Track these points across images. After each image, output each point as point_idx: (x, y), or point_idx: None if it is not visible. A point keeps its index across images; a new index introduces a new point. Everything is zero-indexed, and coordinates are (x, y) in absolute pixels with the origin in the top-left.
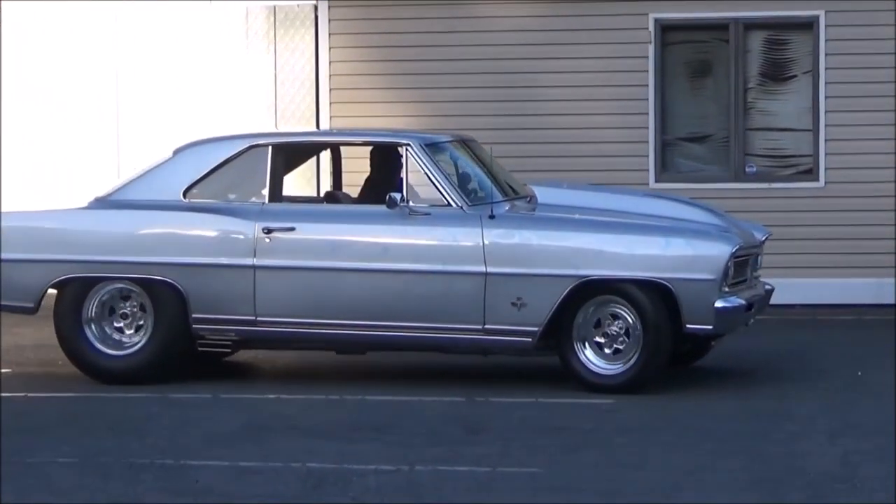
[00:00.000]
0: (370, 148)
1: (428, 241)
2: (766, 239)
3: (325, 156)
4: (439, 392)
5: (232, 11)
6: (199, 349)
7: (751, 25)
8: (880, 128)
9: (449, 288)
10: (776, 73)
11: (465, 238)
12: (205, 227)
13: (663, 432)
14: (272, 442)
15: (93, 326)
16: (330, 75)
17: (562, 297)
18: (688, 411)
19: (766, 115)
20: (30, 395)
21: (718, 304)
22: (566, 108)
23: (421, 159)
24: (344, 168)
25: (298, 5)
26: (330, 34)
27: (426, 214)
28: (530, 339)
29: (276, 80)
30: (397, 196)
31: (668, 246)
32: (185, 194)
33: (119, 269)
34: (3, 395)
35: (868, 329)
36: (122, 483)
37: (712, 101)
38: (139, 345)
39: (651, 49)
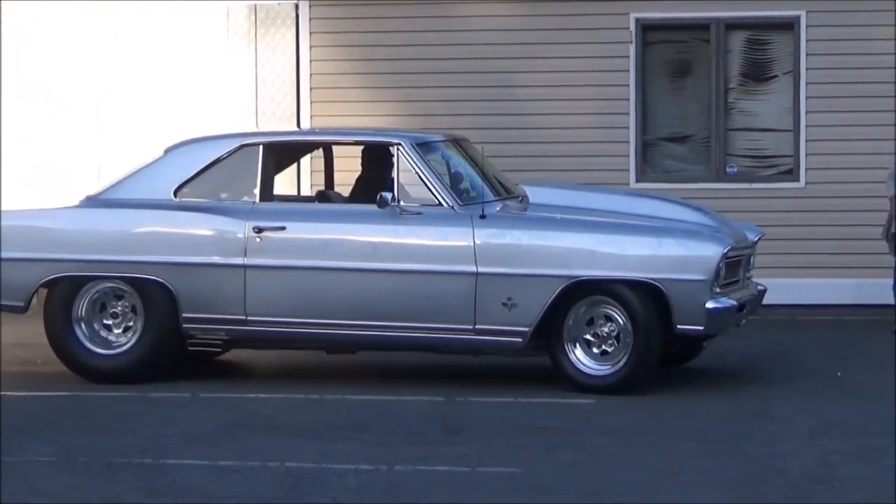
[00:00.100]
0: (361, 147)
1: (419, 241)
2: (759, 239)
3: (312, 155)
4: (419, 392)
5: (213, 10)
6: (190, 349)
7: (732, 25)
8: (861, 128)
9: (439, 288)
10: (757, 73)
11: (456, 238)
12: (195, 227)
13: (644, 432)
14: (251, 441)
15: (83, 325)
16: (311, 74)
17: (552, 297)
18: (668, 411)
19: (746, 116)
20: (8, 393)
21: (710, 304)
22: (547, 107)
23: (412, 159)
24: (336, 167)
25: (279, 4)
26: (311, 33)
27: (417, 214)
28: (521, 340)
29: (256, 80)
30: (388, 195)
31: (660, 246)
32: (175, 193)
33: (109, 268)
34: None
35: (848, 329)
36: (100, 482)
37: (693, 101)
38: (129, 344)
39: (632, 49)
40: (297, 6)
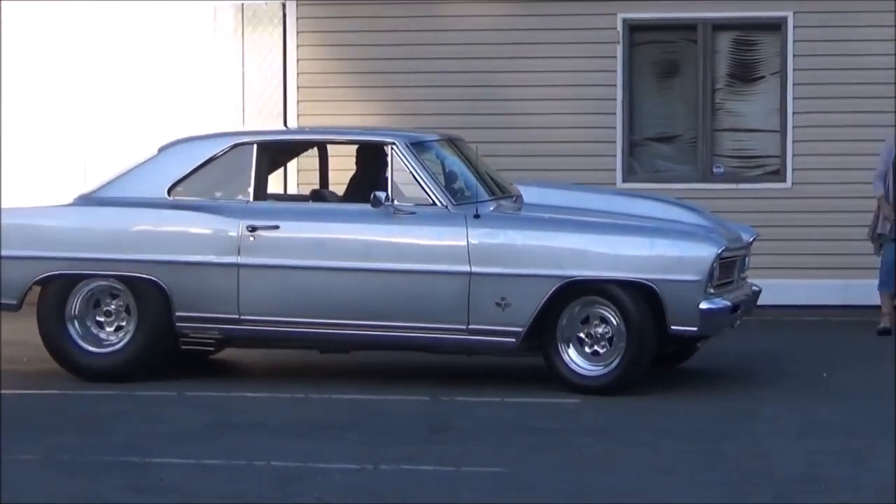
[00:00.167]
0: (356, 147)
1: (412, 241)
2: (754, 240)
3: (304, 154)
4: (405, 391)
5: (200, 10)
6: (183, 347)
7: (719, 26)
8: (847, 129)
9: (433, 287)
10: (744, 73)
11: (450, 237)
12: (188, 225)
13: (630, 432)
14: (237, 440)
15: (76, 324)
16: (298, 73)
17: (546, 297)
18: (654, 412)
19: (733, 116)
20: None
21: (703, 305)
22: (534, 107)
23: (406, 158)
24: (330, 166)
25: (266, 4)
26: (298, 32)
27: (411, 213)
28: (514, 340)
29: (243, 79)
30: (382, 195)
31: (653, 247)
32: (169, 192)
33: (102, 266)
34: None
35: (834, 330)
36: (86, 480)
37: (680, 101)
38: (122, 342)
39: (619, 49)
40: (284, 5)
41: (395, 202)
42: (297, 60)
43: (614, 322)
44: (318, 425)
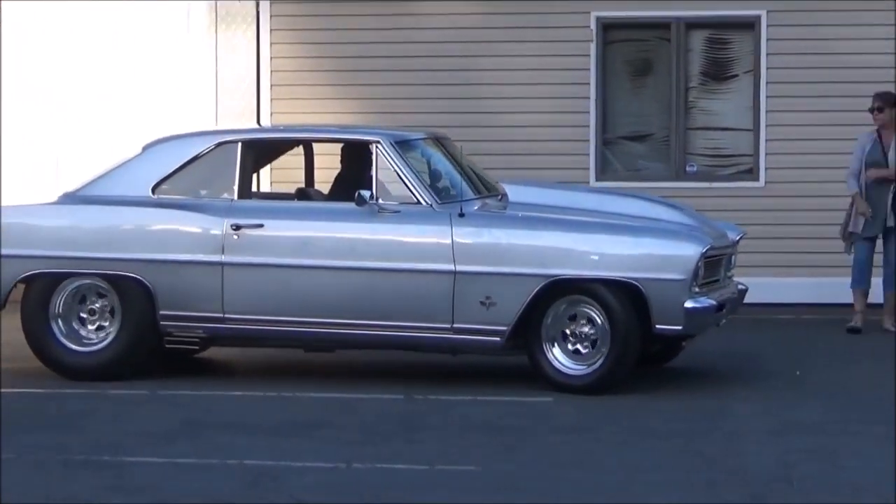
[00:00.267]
0: (341, 145)
1: (397, 239)
2: (741, 239)
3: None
4: (378, 389)
5: (173, 9)
6: (167, 346)
7: (692, 25)
8: (820, 128)
9: (417, 286)
10: (717, 72)
11: (434, 236)
12: (173, 224)
13: (603, 431)
14: (209, 439)
15: (60, 322)
16: (271, 72)
17: (531, 296)
18: (627, 410)
19: (707, 115)
20: None
21: (688, 304)
22: (507, 105)
23: (391, 156)
24: (317, 165)
25: (240, 2)
26: (271, 30)
27: (395, 212)
28: (499, 339)
29: (217, 78)
30: (366, 194)
31: (638, 246)
32: (153, 190)
33: (86, 265)
34: None
35: (807, 329)
36: (58, 479)
37: (653, 99)
38: (106, 341)
39: (592, 47)
40: (257, 4)
41: (380, 201)
42: (271, 59)
43: (599, 321)
44: (292, 424)
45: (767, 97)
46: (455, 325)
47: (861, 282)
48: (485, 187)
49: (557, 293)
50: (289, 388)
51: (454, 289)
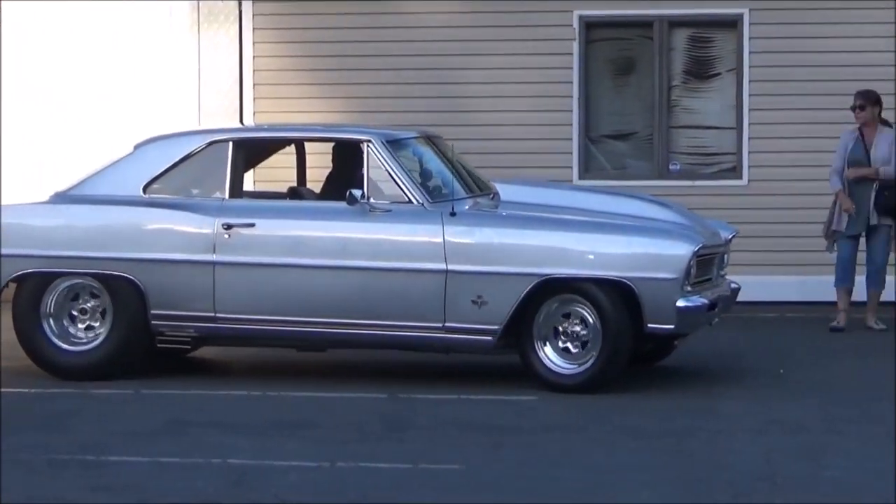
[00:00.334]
0: (332, 144)
1: (388, 238)
2: (733, 237)
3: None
4: (362, 388)
5: (155, 8)
6: (159, 346)
7: (675, 23)
8: (803, 126)
9: (409, 285)
10: (700, 70)
11: (426, 235)
12: (164, 223)
13: (587, 430)
14: (193, 438)
15: (51, 322)
16: (254, 70)
17: (522, 295)
18: (611, 409)
19: (690, 113)
20: None
21: (680, 303)
22: (490, 104)
23: (382, 155)
24: (308, 164)
25: (223, 1)
26: (254, 29)
27: (387, 211)
28: (491, 338)
29: (199, 76)
30: (357, 193)
31: (630, 245)
32: (145, 190)
33: (78, 264)
34: None
35: (791, 326)
36: (42, 479)
37: (636, 98)
38: (98, 341)
39: (575, 46)
40: (240, 3)
41: (371, 200)
42: (254, 58)
43: (591, 320)
44: (275, 423)
45: (750, 95)
46: (447, 325)
47: (845, 280)
48: (477, 186)
49: (549, 292)
50: (274, 387)
51: (446, 288)
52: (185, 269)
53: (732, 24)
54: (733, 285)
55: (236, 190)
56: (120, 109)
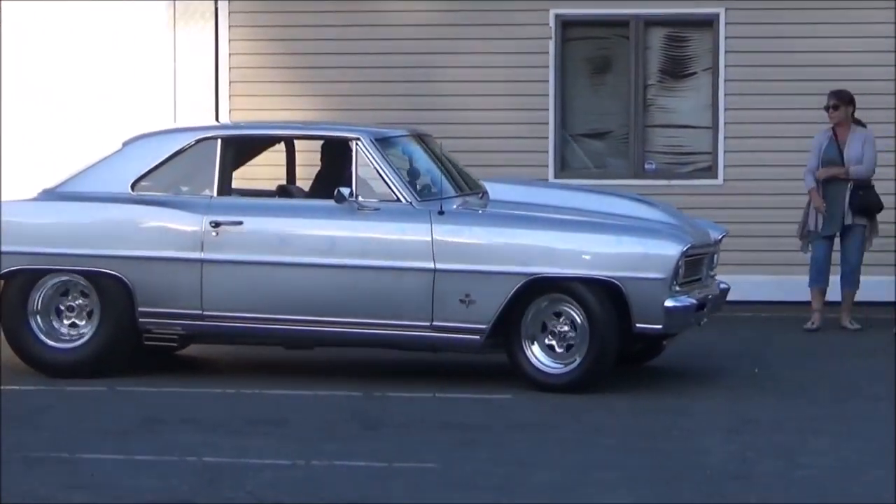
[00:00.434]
0: (321, 142)
1: (376, 237)
2: (723, 237)
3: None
4: (336, 386)
5: (131, 5)
6: (146, 343)
7: (651, 22)
8: (779, 126)
9: (397, 284)
10: (676, 70)
11: (414, 234)
12: (152, 220)
13: (561, 429)
14: (167, 435)
15: (38, 319)
16: (230, 68)
17: (510, 294)
18: (585, 407)
19: (665, 113)
20: None
21: (668, 303)
22: (466, 102)
23: (371, 154)
24: (298, 161)
25: (198, 0)
26: (230, 27)
27: (375, 210)
28: (479, 337)
29: (175, 74)
30: (346, 191)
31: (618, 244)
32: (133, 187)
33: (65, 261)
34: None
35: (766, 326)
36: (16, 476)
37: (612, 97)
38: (85, 338)
39: (551, 45)
40: (216, 1)
41: (360, 198)
42: (230, 55)
43: (578, 320)
44: (250, 421)
45: (726, 95)
46: (434, 323)
47: (819, 280)
48: (466, 185)
49: (537, 292)
50: (250, 385)
51: (434, 286)
52: (172, 266)
53: (708, 23)
54: (722, 286)
55: (224, 187)
56: (96, 107)
